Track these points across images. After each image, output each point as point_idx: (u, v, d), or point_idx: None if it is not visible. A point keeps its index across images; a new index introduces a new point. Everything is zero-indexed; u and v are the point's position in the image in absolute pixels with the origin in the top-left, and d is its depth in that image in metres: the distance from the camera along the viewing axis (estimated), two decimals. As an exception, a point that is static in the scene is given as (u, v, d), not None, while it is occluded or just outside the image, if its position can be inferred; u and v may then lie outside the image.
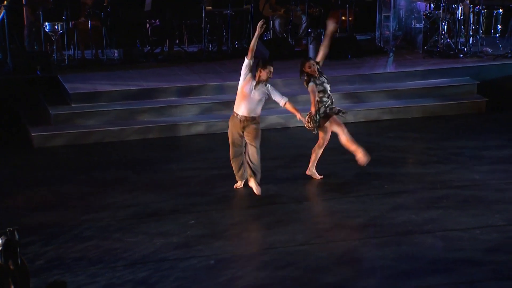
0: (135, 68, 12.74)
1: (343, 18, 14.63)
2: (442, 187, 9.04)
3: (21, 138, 10.92)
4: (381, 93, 12.23)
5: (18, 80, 11.96)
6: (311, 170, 9.27)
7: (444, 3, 13.36)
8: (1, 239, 5.22)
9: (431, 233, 7.81)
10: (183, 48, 13.94)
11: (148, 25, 13.72)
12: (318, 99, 8.81)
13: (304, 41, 14.15)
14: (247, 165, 8.71)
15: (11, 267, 5.20)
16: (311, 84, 8.77)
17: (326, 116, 8.86)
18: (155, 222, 8.13)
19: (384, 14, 14.37)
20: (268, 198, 8.66)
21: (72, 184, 9.28)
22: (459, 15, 13.49)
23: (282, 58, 12.57)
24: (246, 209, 8.57)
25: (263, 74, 8.46)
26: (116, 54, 13.29)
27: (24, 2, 12.79)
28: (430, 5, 13.90)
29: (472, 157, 10.09)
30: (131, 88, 11.74)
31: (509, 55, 13.27)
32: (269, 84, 8.58)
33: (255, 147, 8.60)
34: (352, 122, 11.24)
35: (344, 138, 8.93)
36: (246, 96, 8.51)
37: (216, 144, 10.57)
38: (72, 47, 13.15)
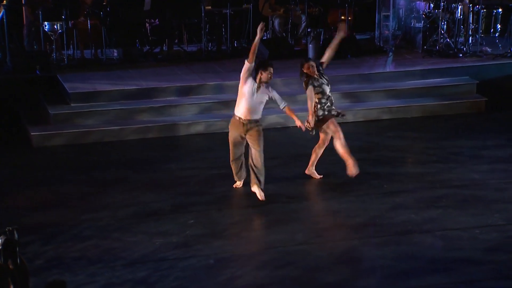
0: (135, 67, 12.73)
1: (343, 17, 14.62)
2: (441, 186, 9.05)
3: (20, 138, 10.91)
4: (381, 93, 12.23)
5: (18, 80, 11.95)
6: (310, 169, 9.28)
7: (443, 2, 13.35)
8: (1, 238, 5.21)
9: (430, 233, 7.81)
10: (182, 47, 13.94)
11: (147, 24, 13.72)
12: (317, 101, 8.80)
13: (303, 41, 14.14)
14: (250, 170, 8.61)
15: (11, 266, 5.20)
16: (309, 88, 8.75)
17: (324, 119, 8.83)
18: (154, 221, 8.13)
19: (383, 13, 14.37)
20: (267, 197, 8.65)
21: (71, 184, 9.27)
22: (459, 15, 13.49)
23: (281, 58, 12.56)
24: (245, 209, 8.57)
25: (264, 76, 8.43)
26: (115, 54, 13.28)
27: (23, 2, 12.78)
28: (429, 5, 13.90)
29: (472, 156, 10.09)
30: (131, 87, 11.74)
31: (509, 55, 13.27)
32: (270, 85, 8.58)
33: (258, 150, 8.51)
34: (351, 122, 11.25)
35: (339, 144, 8.89)
36: (248, 99, 8.43)
37: (216, 144, 10.57)
38: (71, 46, 13.14)
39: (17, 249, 5.24)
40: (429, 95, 12.27)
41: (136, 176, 9.50)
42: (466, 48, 13.56)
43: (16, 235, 5.28)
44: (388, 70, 12.79)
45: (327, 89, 8.86)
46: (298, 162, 9.70)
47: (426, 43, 13.71)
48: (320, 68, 8.93)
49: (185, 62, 13.21)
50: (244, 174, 8.90)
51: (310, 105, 8.76)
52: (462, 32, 13.78)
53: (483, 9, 13.63)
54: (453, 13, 13.53)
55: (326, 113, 8.84)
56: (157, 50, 13.68)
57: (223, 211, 8.46)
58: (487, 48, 13.63)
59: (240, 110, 8.51)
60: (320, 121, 8.85)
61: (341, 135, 8.89)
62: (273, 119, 11.27)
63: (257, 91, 8.42)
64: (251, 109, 8.47)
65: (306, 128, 8.76)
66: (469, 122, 11.65)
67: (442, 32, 13.55)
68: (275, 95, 8.55)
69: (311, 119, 8.76)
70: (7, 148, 10.57)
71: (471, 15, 13.63)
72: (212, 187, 9.08)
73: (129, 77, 12.25)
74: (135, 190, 9.04)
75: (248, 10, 14.00)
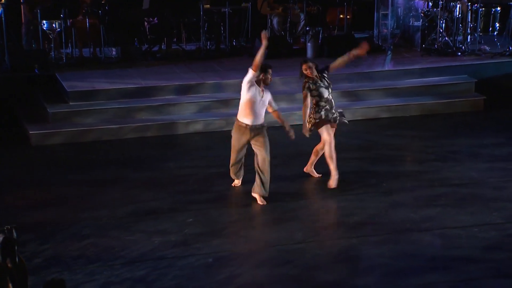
0: (133, 66, 12.73)
1: (341, 16, 14.63)
2: (440, 185, 9.05)
3: (19, 136, 10.91)
4: (379, 91, 12.23)
5: (16, 79, 11.95)
6: (309, 168, 9.27)
7: (442, 1, 13.37)
8: (-1, 237, 5.22)
9: (429, 231, 7.81)
10: (181, 46, 13.95)
11: (146, 23, 13.72)
12: (315, 103, 8.74)
13: (302, 39, 14.15)
14: (256, 175, 8.51)
15: (9, 265, 5.20)
16: (304, 92, 8.69)
17: (320, 123, 8.76)
18: (153, 220, 8.12)
19: (382, 12, 14.38)
20: (266, 196, 8.65)
21: (70, 182, 9.27)
22: (457, 13, 13.50)
23: (280, 57, 12.58)
24: (244, 207, 8.56)
25: (267, 78, 8.38)
26: (114, 52, 13.28)
27: (21, 0, 12.78)
28: (428, 3, 13.91)
29: (470, 155, 10.09)
30: (129, 86, 11.74)
31: (507, 53, 13.28)
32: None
33: (266, 157, 8.42)
34: (350, 120, 11.21)
35: (328, 151, 8.80)
36: (255, 104, 8.31)
37: (214, 142, 10.57)
38: (70, 45, 13.14)
39: (16, 247, 5.24)
40: (428, 93, 12.28)
41: (135, 175, 9.50)
42: (464, 47, 13.57)
43: (14, 234, 5.28)
44: (386, 68, 12.80)
45: (325, 92, 8.72)
46: (296, 160, 9.70)
47: (424, 42, 13.72)
48: (325, 73, 8.79)
49: (184, 60, 13.22)
50: (242, 173, 8.90)
51: (304, 111, 8.72)
52: (460, 30, 13.78)
53: (482, 7, 13.64)
54: (451, 11, 13.53)
55: (323, 117, 8.76)
56: (155, 48, 13.68)
57: (221, 210, 8.45)
58: (485, 46, 13.64)
59: (247, 116, 8.38)
60: (316, 125, 8.78)
61: (332, 145, 8.77)
62: (271, 117, 11.23)
63: (262, 95, 8.38)
64: (258, 114, 8.40)
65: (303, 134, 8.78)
66: (467, 120, 11.66)
67: (441, 30, 13.55)
68: (270, 97, 8.54)
69: (305, 130, 8.74)
70: (5, 146, 10.57)
71: (469, 14, 13.65)
72: (211, 186, 9.08)
73: (127, 75, 12.25)
74: (133, 188, 9.04)
75: (247, 8, 14.01)
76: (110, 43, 13.17)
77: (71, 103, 11.31)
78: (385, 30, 14.31)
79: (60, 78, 11.87)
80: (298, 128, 8.95)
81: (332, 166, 8.84)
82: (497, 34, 13.89)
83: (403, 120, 11.70)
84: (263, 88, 8.41)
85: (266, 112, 8.58)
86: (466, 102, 12.21)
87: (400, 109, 11.95)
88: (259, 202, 8.52)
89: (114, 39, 13.14)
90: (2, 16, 12.15)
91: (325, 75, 8.78)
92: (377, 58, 13.33)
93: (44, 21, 12.48)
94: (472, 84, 12.50)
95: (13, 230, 5.27)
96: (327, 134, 8.77)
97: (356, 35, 14.24)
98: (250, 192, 8.64)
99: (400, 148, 10.54)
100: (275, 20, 14.14)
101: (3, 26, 12.20)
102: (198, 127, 11.23)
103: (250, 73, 8.27)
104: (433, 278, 6.85)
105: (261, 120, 8.46)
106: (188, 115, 11.42)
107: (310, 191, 9.10)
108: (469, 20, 13.67)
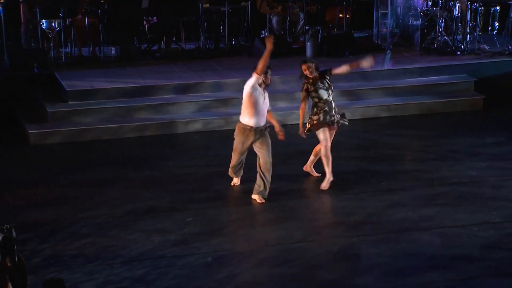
0: (132, 65, 12.73)
1: (341, 15, 14.63)
2: (439, 184, 9.05)
3: (17, 136, 10.91)
4: (379, 91, 12.23)
5: (15, 78, 11.95)
6: (309, 167, 9.26)
7: (441, 0, 13.35)
8: (-1, 236, 5.23)
9: (428, 230, 7.81)
10: (180, 45, 13.94)
11: (145, 22, 13.72)
12: (314, 103, 8.72)
13: (301, 39, 14.14)
14: (258, 176, 8.50)
15: (9, 264, 5.20)
16: (302, 92, 8.68)
17: (318, 125, 8.74)
18: (152, 219, 8.12)
19: (381, 11, 14.37)
20: (265, 195, 8.66)
21: (69, 182, 9.26)
22: (456, 12, 13.50)
23: (279, 56, 12.55)
24: (243, 206, 8.56)
25: (267, 79, 8.36)
26: (113, 52, 13.28)
27: (21, 0, 12.78)
28: (427, 2, 13.91)
29: (469, 154, 10.09)
30: (128, 85, 11.74)
31: (506, 52, 13.28)
32: None
33: (269, 159, 8.42)
34: (349, 120, 11.19)
35: (324, 152, 8.78)
36: (259, 105, 8.29)
37: (213, 142, 10.57)
38: (69, 44, 13.14)
39: (15, 247, 5.24)
40: (427, 93, 12.28)
41: (134, 174, 9.49)
42: (464, 46, 13.56)
43: (14, 233, 5.28)
44: (386, 68, 12.78)
45: (325, 94, 8.67)
46: (296, 159, 9.70)
47: (424, 41, 13.72)
48: (327, 75, 8.76)
49: (183, 60, 13.21)
50: (241, 172, 8.89)
51: (300, 113, 8.71)
52: (460, 30, 13.78)
53: (481, 6, 13.63)
54: (451, 10, 13.53)
55: (321, 119, 8.74)
56: (155, 48, 13.67)
57: (221, 209, 8.45)
58: (485, 46, 13.64)
59: (252, 119, 8.34)
60: (314, 126, 8.76)
61: (328, 147, 8.75)
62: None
63: (264, 96, 8.38)
64: (261, 115, 8.38)
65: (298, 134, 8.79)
66: (467, 120, 11.66)
67: (440, 30, 13.55)
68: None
69: (301, 131, 8.74)
70: (4, 145, 10.56)
71: (469, 13, 13.64)
72: (210, 185, 9.08)
73: (127, 75, 12.24)
74: (133, 188, 9.03)
75: (246, 8, 14.01)
76: (110, 42, 13.17)
77: (70, 102, 11.31)
78: (385, 29, 14.31)
79: (59, 77, 11.86)
80: (297, 126, 8.95)
81: (327, 168, 8.83)
82: (496, 33, 13.88)
83: (403, 119, 11.70)
84: (264, 89, 8.41)
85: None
86: (466, 101, 12.21)
87: (399, 108, 11.95)
88: (258, 201, 8.51)
89: (114, 38, 13.14)
90: (1, 15, 12.14)
91: (327, 77, 8.76)
92: (376, 58, 13.26)
93: (43, 20, 12.47)
94: (471, 83, 12.50)
95: (13, 229, 5.28)
96: (323, 136, 8.75)
97: (356, 34, 14.24)
98: (250, 192, 8.62)
99: (400, 147, 10.54)
100: (274, 19, 14.13)
101: (2, 25, 12.20)
102: (198, 126, 11.22)
103: (254, 78, 8.23)
104: (433, 277, 6.85)
105: (264, 121, 8.45)
106: (187, 114, 11.41)
107: (309, 190, 9.09)
108: (469, 19, 13.67)
